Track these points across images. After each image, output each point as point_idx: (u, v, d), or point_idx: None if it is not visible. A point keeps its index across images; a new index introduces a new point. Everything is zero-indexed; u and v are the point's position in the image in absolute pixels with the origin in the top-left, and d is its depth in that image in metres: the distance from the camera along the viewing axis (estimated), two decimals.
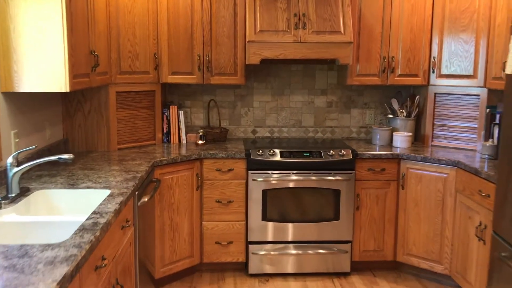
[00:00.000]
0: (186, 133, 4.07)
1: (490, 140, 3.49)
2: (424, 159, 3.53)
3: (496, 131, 3.47)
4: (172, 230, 3.49)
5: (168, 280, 3.59)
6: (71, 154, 2.31)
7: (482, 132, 3.67)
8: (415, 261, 3.68)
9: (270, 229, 3.66)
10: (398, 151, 3.70)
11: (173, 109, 3.92)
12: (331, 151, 3.63)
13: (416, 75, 3.94)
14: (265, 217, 3.65)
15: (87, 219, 1.98)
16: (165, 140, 3.95)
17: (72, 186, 2.51)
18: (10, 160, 2.27)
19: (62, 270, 1.48)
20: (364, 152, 3.65)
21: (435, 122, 3.96)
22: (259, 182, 3.60)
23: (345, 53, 3.65)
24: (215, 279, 3.67)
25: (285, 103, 4.28)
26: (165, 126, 3.93)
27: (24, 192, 2.35)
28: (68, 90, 2.51)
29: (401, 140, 3.85)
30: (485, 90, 3.64)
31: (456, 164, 3.40)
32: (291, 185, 3.63)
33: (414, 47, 3.90)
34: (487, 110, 3.60)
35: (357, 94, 4.29)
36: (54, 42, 2.48)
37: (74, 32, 2.62)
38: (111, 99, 3.52)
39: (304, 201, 3.65)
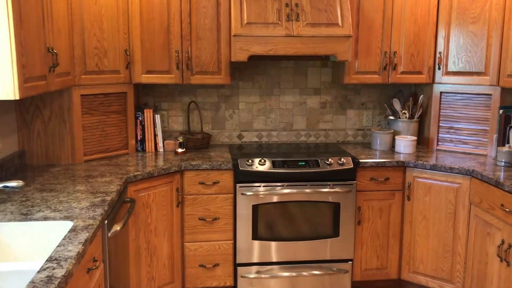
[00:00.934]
0: (164, 139, 3.59)
1: (507, 145, 3.13)
2: (434, 167, 3.15)
3: None
4: (150, 254, 3.03)
5: None
6: (20, 181, 1.83)
7: (495, 136, 3.31)
8: (423, 279, 3.32)
9: (261, 249, 3.23)
10: (402, 158, 3.32)
11: (148, 112, 3.44)
12: (330, 159, 3.22)
13: (420, 72, 3.55)
14: (255, 236, 3.22)
15: (39, 271, 1.51)
16: (139, 148, 3.47)
17: (25, 216, 2.02)
18: None
19: None
20: (366, 160, 3.25)
21: (441, 124, 3.59)
22: (248, 196, 3.17)
23: (343, 48, 3.23)
24: None
25: (274, 104, 3.84)
26: (139, 133, 3.45)
27: None
28: (17, 98, 2.02)
29: (405, 144, 3.46)
30: (498, 88, 3.28)
31: (470, 173, 3.03)
32: (284, 199, 3.20)
33: (418, 41, 3.50)
34: (500, 111, 3.25)
35: (353, 93, 3.89)
36: None
37: (24, 25, 2.12)
38: (75, 104, 3.02)
39: (299, 217, 3.24)
